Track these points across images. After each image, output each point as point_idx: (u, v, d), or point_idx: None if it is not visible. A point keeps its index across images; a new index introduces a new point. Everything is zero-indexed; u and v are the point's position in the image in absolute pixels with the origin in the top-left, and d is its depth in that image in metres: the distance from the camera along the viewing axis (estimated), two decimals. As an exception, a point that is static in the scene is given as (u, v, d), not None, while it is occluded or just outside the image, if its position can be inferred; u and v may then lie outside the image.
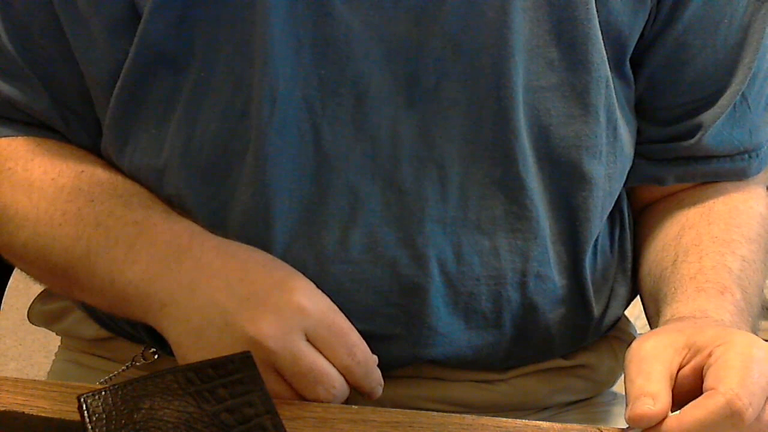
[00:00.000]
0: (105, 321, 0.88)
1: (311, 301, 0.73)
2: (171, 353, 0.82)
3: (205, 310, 0.73)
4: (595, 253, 0.85)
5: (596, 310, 0.86)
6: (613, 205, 0.86)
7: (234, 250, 0.76)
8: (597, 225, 0.84)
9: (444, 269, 0.79)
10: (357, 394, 0.75)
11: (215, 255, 0.75)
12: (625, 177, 0.86)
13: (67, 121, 0.83)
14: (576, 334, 0.86)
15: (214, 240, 0.76)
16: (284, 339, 0.71)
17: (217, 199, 0.79)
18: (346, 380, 0.73)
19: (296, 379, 0.72)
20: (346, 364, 0.73)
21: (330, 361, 0.73)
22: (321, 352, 0.72)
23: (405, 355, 0.80)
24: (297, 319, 0.72)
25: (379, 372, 0.76)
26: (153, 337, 0.83)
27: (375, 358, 0.75)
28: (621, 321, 0.93)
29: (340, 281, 0.77)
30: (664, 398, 0.66)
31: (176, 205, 0.79)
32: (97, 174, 0.80)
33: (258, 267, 0.75)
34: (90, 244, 0.77)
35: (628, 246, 0.90)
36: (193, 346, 0.73)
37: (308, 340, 0.72)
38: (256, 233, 0.77)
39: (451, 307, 0.80)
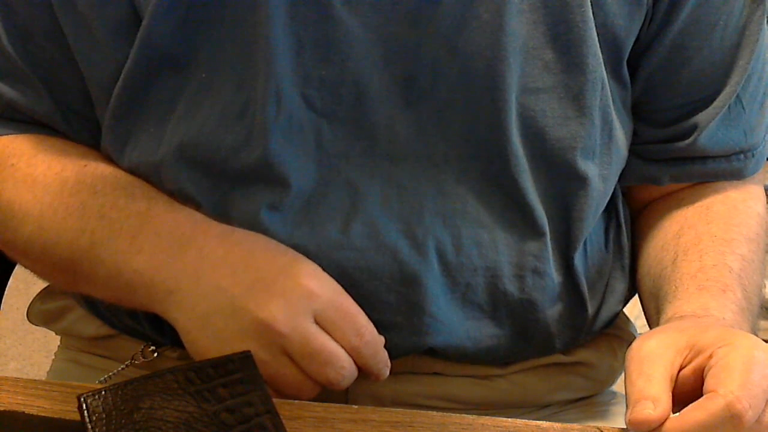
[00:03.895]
0: (107, 316, 0.88)
1: (318, 283, 0.74)
2: (173, 345, 0.83)
3: (212, 297, 0.74)
4: (586, 250, 0.86)
5: (591, 305, 0.86)
6: (606, 204, 0.87)
7: (238, 237, 0.76)
8: (590, 224, 0.84)
9: (443, 259, 0.80)
10: (363, 377, 0.76)
11: (218, 243, 0.76)
12: (618, 177, 0.87)
13: (69, 121, 0.84)
14: (573, 330, 0.86)
15: (217, 228, 0.77)
16: (294, 321, 0.72)
17: (217, 191, 0.79)
18: (354, 362, 0.74)
19: (306, 361, 0.73)
20: (355, 345, 0.74)
21: (339, 343, 0.73)
22: (329, 334, 0.73)
23: (406, 344, 0.81)
24: (305, 301, 0.73)
25: (386, 353, 0.77)
26: (156, 329, 0.83)
27: (382, 339, 0.76)
28: (620, 319, 0.93)
29: (342, 267, 0.78)
30: (665, 402, 0.66)
31: (179, 197, 0.80)
32: (100, 167, 0.81)
33: (262, 253, 0.75)
34: (94, 236, 0.77)
35: (625, 242, 0.91)
36: (201, 333, 0.74)
37: (316, 323, 0.73)
38: (259, 222, 0.78)
39: (449, 296, 0.81)
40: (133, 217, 0.77)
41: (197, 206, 0.79)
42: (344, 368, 0.73)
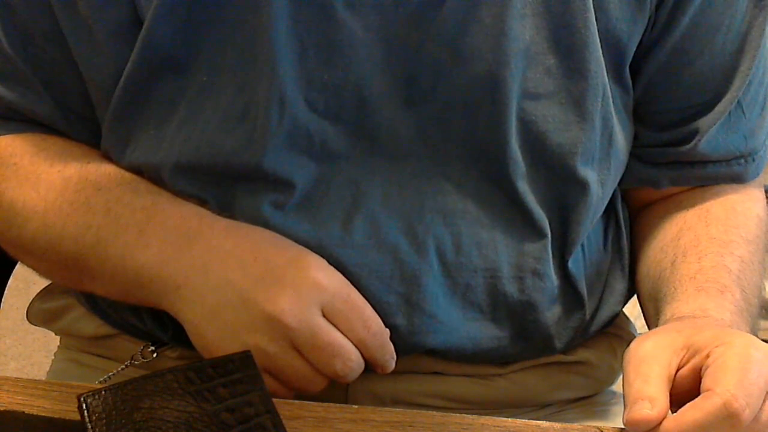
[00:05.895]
0: (108, 313, 0.88)
1: (326, 276, 0.75)
2: (174, 342, 0.83)
3: (220, 290, 0.74)
4: (584, 252, 0.86)
5: (590, 305, 0.87)
6: (604, 207, 0.87)
7: (244, 230, 0.77)
8: (587, 227, 0.84)
9: (443, 258, 0.80)
10: (366, 372, 0.77)
11: (225, 236, 0.76)
12: (617, 182, 0.87)
13: (69, 122, 0.84)
14: (573, 330, 0.87)
15: (223, 222, 0.77)
16: (302, 314, 0.72)
17: (219, 191, 0.79)
18: (361, 354, 0.75)
19: (314, 353, 0.73)
20: (362, 338, 0.75)
21: (346, 335, 0.74)
22: (337, 327, 0.74)
23: (405, 344, 0.81)
24: (313, 294, 0.73)
25: (392, 345, 0.77)
26: (158, 326, 0.84)
27: (387, 331, 0.77)
28: (620, 319, 0.94)
29: (343, 265, 0.78)
30: (662, 402, 0.66)
31: (182, 196, 0.80)
32: (103, 165, 0.81)
33: (270, 246, 0.76)
34: (100, 232, 0.78)
35: (625, 243, 0.91)
36: (209, 327, 0.74)
37: (324, 315, 0.74)
38: (262, 218, 0.78)
39: (449, 296, 0.81)
40: (139, 212, 0.78)
41: (201, 204, 0.79)
42: (352, 360, 0.74)
